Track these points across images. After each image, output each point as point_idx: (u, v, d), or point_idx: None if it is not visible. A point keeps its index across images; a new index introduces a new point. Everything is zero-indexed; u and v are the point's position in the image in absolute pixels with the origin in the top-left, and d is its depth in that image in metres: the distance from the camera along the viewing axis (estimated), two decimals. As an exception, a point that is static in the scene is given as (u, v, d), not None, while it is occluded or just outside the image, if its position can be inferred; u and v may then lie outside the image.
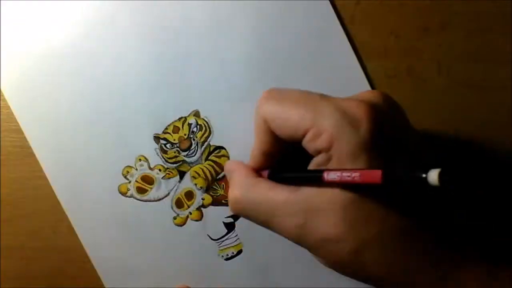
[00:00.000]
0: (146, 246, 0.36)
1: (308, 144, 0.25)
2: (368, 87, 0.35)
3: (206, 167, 0.36)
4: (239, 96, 0.35)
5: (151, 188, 0.36)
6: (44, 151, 0.35)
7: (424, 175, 0.20)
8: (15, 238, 0.36)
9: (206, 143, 0.36)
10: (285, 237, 0.26)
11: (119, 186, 0.36)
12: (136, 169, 0.36)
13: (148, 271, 0.36)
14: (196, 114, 0.35)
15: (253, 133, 0.32)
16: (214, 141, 0.36)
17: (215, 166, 0.36)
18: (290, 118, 0.26)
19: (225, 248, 0.36)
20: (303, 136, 0.25)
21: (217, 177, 0.36)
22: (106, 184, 0.36)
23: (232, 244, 0.36)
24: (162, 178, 0.36)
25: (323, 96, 0.26)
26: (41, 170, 0.36)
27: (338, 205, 0.24)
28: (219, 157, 0.36)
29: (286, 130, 0.26)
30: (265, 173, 0.29)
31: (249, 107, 0.34)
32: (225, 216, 0.36)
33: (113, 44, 0.35)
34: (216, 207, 0.36)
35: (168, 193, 0.36)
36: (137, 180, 0.36)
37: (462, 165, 0.35)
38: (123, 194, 0.36)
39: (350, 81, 0.35)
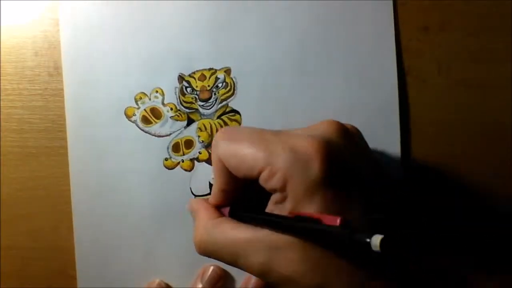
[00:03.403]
0: (129, 174, 0.36)
1: (264, 183, 0.26)
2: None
3: (215, 124, 0.36)
4: (274, 71, 0.36)
5: (156, 122, 0.36)
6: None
7: (368, 240, 0.21)
8: (15, 238, 0.36)
9: (224, 102, 0.36)
10: (252, 274, 0.27)
11: (127, 108, 0.36)
12: (150, 99, 0.36)
13: (123, 200, 0.36)
14: (227, 71, 0.36)
15: (270, 113, 0.35)
16: (233, 103, 0.36)
17: (224, 126, 0.36)
18: (244, 158, 0.26)
19: None
20: (258, 175, 0.26)
21: None
22: (116, 101, 0.36)
23: None
24: (170, 117, 0.36)
25: (276, 134, 0.27)
26: (41, 170, 0.36)
27: (298, 244, 0.24)
28: (231, 120, 0.36)
29: (241, 170, 0.27)
30: (226, 210, 0.29)
31: (278, 84, 0.35)
32: (213, 177, 0.36)
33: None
34: (209, 165, 0.36)
35: (170, 134, 0.36)
36: (146, 109, 0.36)
37: (408, 231, 0.35)
38: (128, 117, 0.36)
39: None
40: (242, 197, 0.29)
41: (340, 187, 0.25)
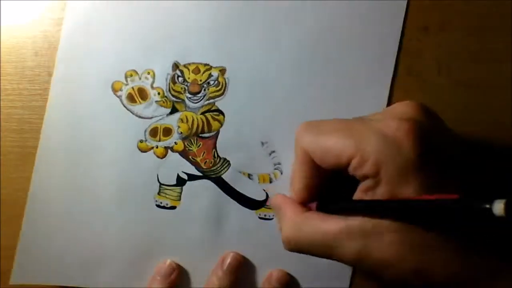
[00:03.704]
0: (101, 143, 0.35)
1: (355, 171, 0.26)
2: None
3: (197, 119, 0.36)
4: (268, 79, 0.35)
5: (141, 102, 0.36)
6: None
7: (488, 206, 0.20)
8: (15, 238, 0.36)
9: (212, 100, 0.36)
10: (346, 263, 0.26)
11: (115, 82, 0.36)
12: (140, 78, 0.36)
13: (89, 172, 0.35)
14: (222, 70, 0.36)
15: (255, 120, 0.35)
16: (220, 103, 0.36)
17: (205, 124, 0.35)
18: (332, 147, 0.26)
19: (163, 196, 0.35)
20: (348, 164, 0.26)
21: (200, 134, 0.36)
22: (106, 72, 0.36)
23: (171, 197, 0.35)
24: (156, 101, 0.36)
25: (360, 120, 0.27)
26: (41, 170, 0.36)
27: (395, 228, 0.24)
28: (214, 119, 0.36)
29: (329, 160, 0.27)
30: (312, 205, 0.29)
31: (268, 92, 0.35)
32: (183, 170, 0.35)
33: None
34: (182, 158, 0.36)
35: (151, 118, 0.36)
36: (134, 87, 0.36)
37: None
38: (114, 91, 0.36)
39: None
40: (325, 192, 0.29)
41: (435, 167, 0.25)
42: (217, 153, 0.35)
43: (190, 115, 0.36)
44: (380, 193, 0.25)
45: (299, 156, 0.28)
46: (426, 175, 0.24)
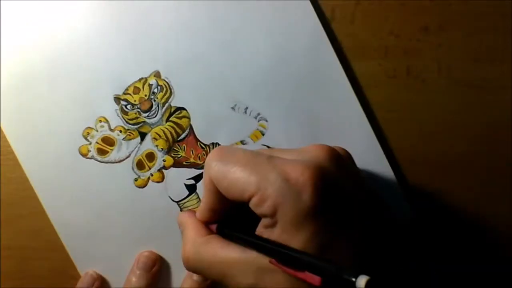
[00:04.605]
0: (108, 208, 0.36)
1: (255, 208, 0.26)
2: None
3: (167, 128, 0.36)
4: (199, 58, 0.35)
5: (112, 149, 0.36)
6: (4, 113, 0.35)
7: (353, 279, 0.21)
8: (15, 238, 0.36)
9: (167, 104, 0.36)
10: None
11: (80, 147, 0.35)
12: (97, 131, 0.36)
13: (111, 234, 0.36)
14: (157, 74, 0.35)
15: (213, 94, 0.35)
16: (175, 102, 0.36)
17: (176, 127, 0.36)
18: (235, 181, 0.26)
19: (187, 209, 0.36)
20: (249, 199, 0.26)
21: (178, 139, 0.36)
22: (67, 146, 0.36)
23: (193, 206, 0.36)
24: (123, 139, 0.36)
25: (270, 158, 0.27)
26: (41, 170, 0.36)
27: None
28: (180, 118, 0.36)
29: (232, 193, 0.27)
30: (213, 226, 0.30)
31: (208, 68, 0.35)
32: (187, 178, 0.36)
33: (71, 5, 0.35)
34: (178, 168, 0.36)
35: (129, 155, 0.36)
36: (98, 141, 0.36)
37: (395, 271, 0.33)
38: (84, 155, 0.36)
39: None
40: (230, 214, 0.30)
41: (331, 217, 0.25)
42: (203, 144, 0.36)
43: (159, 130, 0.36)
44: (276, 233, 0.25)
45: (205, 182, 0.29)
46: (320, 225, 0.24)
